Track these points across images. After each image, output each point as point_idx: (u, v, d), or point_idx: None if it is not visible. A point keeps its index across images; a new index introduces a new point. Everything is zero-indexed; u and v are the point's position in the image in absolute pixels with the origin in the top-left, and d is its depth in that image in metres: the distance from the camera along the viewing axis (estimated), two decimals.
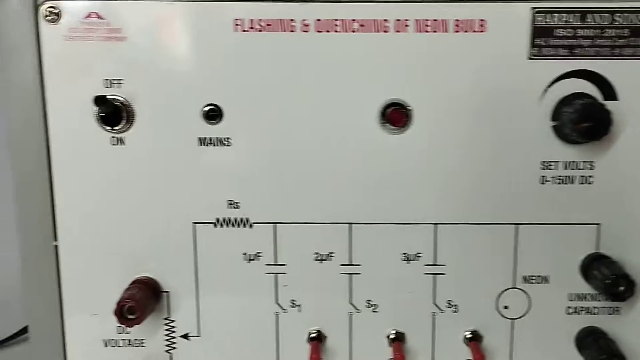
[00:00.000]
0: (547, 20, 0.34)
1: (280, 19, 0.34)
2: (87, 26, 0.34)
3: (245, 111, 0.35)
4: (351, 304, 0.37)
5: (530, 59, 0.34)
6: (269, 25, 0.34)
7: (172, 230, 0.36)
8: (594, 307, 0.36)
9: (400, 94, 0.34)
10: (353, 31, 0.34)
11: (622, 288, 0.33)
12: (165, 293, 0.36)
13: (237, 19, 0.34)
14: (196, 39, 0.34)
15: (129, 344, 0.37)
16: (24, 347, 0.49)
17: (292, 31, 0.34)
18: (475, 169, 0.35)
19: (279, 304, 0.37)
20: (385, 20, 0.34)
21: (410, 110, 0.35)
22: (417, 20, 0.34)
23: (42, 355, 0.37)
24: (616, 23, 0.34)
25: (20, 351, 0.52)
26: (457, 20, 0.34)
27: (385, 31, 0.34)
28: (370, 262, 0.36)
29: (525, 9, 0.34)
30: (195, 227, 0.36)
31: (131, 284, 0.35)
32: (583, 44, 0.34)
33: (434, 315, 0.37)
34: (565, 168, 0.35)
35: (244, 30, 0.34)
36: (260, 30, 0.34)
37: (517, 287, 0.36)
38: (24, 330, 0.49)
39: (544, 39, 0.34)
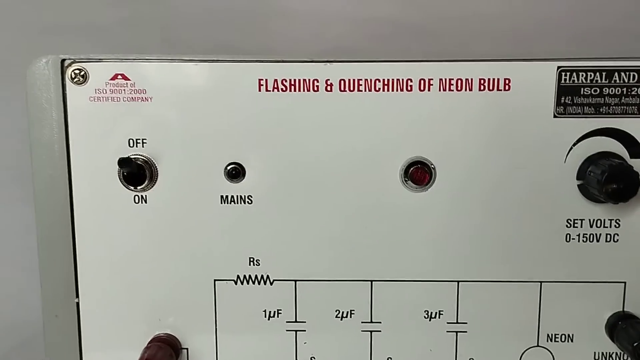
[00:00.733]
0: (573, 78, 0.34)
1: (304, 79, 0.34)
2: (113, 87, 0.34)
3: (268, 170, 0.34)
4: None
5: (556, 117, 0.34)
6: (292, 85, 0.34)
7: (193, 286, 0.35)
8: None
9: (423, 152, 0.34)
10: (377, 90, 0.34)
11: None
12: (184, 350, 0.37)
13: (261, 79, 0.34)
14: (220, 99, 0.34)
15: None
16: None
17: (315, 91, 0.34)
18: (499, 227, 0.35)
19: None
20: (409, 79, 0.34)
21: (433, 168, 0.34)
22: (441, 79, 0.33)
23: None
24: None
25: None
26: (482, 78, 0.34)
27: (409, 90, 0.34)
28: (392, 320, 0.36)
29: (551, 67, 0.33)
30: (215, 284, 0.36)
31: (150, 341, 0.35)
32: (609, 102, 0.34)
33: None
34: (591, 226, 0.35)
35: (268, 90, 0.34)
36: (284, 90, 0.34)
37: (540, 345, 0.36)
38: None
39: (569, 97, 0.34)
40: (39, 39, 0.52)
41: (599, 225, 0.35)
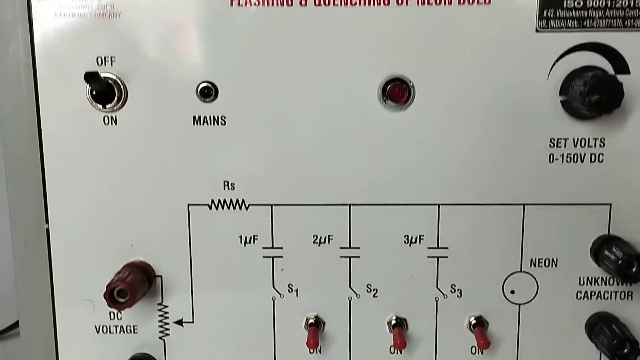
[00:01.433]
0: None
1: None
2: (80, 1, 0.33)
3: (241, 89, 0.33)
4: (351, 288, 0.35)
5: (538, 31, 0.33)
6: None
7: (166, 212, 0.34)
8: (606, 292, 0.35)
9: (401, 69, 0.33)
10: (353, 4, 0.33)
11: (635, 269, 0.32)
12: (158, 277, 0.35)
13: None
14: (192, 15, 0.33)
15: (122, 331, 0.36)
16: (18, 340, 0.49)
17: (289, 5, 0.33)
18: (479, 147, 0.33)
19: (275, 289, 0.35)
20: None
21: (412, 86, 0.33)
22: None
23: (33, 342, 0.36)
24: None
25: (14, 345, 0.51)
26: None
27: (387, 4, 0.33)
28: (371, 245, 0.35)
29: None
30: (189, 209, 0.35)
31: (123, 267, 0.34)
32: (593, 15, 0.33)
33: (437, 300, 0.35)
34: (575, 146, 0.33)
35: (240, 5, 0.33)
36: (257, 5, 0.33)
37: (524, 270, 0.35)
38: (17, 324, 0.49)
39: (552, 10, 0.32)
40: None
41: (583, 144, 0.34)
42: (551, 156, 0.34)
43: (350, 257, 0.35)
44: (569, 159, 0.34)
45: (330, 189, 0.34)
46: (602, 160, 0.34)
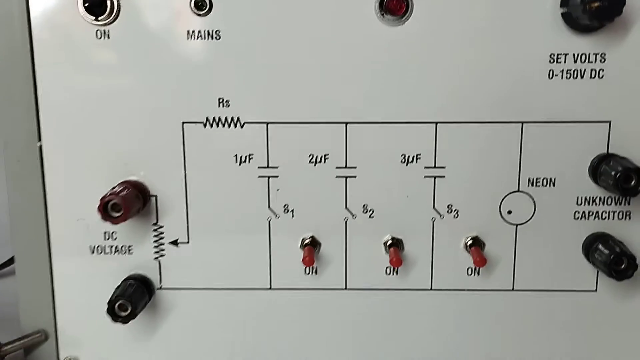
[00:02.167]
0: None
1: None
2: None
3: (236, 1, 0.32)
4: (347, 209, 0.35)
5: None
6: None
7: (160, 129, 0.34)
8: (604, 212, 0.34)
9: None
10: None
11: (633, 182, 0.31)
12: (153, 197, 0.35)
13: None
14: None
15: (116, 251, 0.36)
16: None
17: None
18: (478, 63, 0.33)
19: (271, 209, 0.35)
20: None
21: None
22: None
23: (27, 263, 0.35)
24: None
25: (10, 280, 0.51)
26: None
27: None
28: (367, 165, 0.34)
29: None
30: (184, 127, 0.34)
31: (118, 184, 0.34)
32: None
33: (433, 220, 0.35)
34: (575, 61, 0.33)
35: None
36: None
37: (521, 190, 0.34)
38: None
39: None
40: None
41: (583, 60, 0.33)
42: (551, 72, 0.33)
43: (346, 177, 0.35)
44: (568, 75, 0.33)
45: (327, 106, 0.34)
46: (602, 77, 0.33)
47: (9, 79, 0.34)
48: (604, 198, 0.35)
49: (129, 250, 0.36)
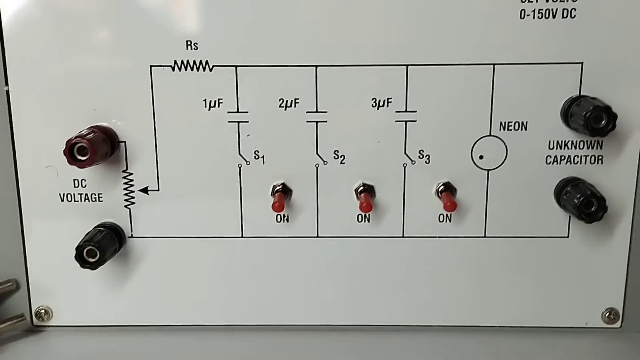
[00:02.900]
0: None
1: None
2: None
3: None
4: (317, 155, 0.35)
5: None
6: None
7: (127, 73, 0.34)
8: (576, 156, 0.34)
9: None
10: None
11: (604, 122, 0.31)
12: (122, 143, 0.35)
13: None
14: None
15: (86, 199, 0.35)
16: None
17: None
18: (449, 3, 0.32)
19: (241, 155, 0.35)
20: None
21: None
22: None
23: None
24: None
25: None
26: None
27: None
28: (338, 109, 0.34)
29: None
30: (151, 70, 0.34)
31: (86, 128, 0.34)
32: None
33: (404, 166, 0.35)
34: (547, 0, 0.33)
35: None
36: None
37: (493, 134, 0.34)
38: None
39: None
40: None
41: None
42: (522, 12, 0.33)
43: (317, 122, 0.34)
44: (540, 15, 0.33)
45: (297, 49, 0.33)
46: (575, 16, 0.33)
47: None
48: (576, 142, 0.34)
49: (99, 198, 0.35)
